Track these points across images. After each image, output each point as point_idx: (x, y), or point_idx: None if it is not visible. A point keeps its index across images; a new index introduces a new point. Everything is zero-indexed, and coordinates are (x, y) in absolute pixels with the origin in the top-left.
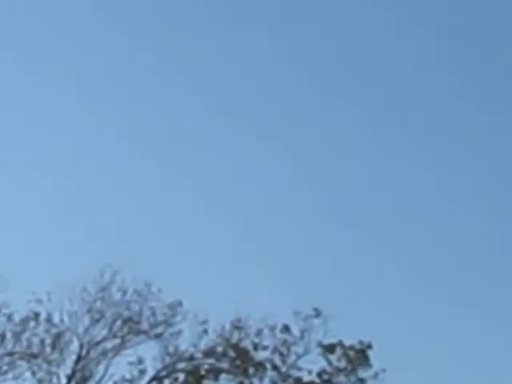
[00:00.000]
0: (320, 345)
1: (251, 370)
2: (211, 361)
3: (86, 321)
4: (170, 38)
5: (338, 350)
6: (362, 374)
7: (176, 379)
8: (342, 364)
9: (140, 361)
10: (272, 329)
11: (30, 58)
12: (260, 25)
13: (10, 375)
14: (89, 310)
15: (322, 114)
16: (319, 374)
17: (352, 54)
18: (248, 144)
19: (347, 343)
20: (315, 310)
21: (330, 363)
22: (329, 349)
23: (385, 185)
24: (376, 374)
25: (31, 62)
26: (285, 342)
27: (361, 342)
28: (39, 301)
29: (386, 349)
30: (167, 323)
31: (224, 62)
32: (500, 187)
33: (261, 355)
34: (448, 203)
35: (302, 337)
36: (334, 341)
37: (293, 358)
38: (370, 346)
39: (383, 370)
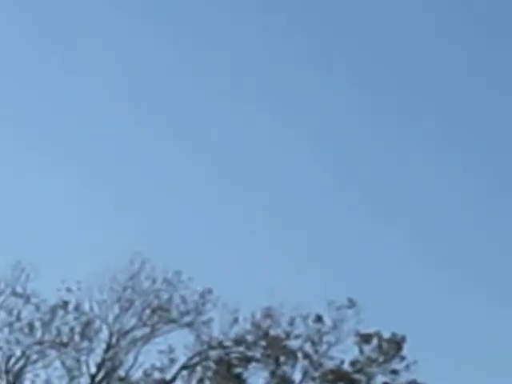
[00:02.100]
0: (357, 334)
1: (282, 359)
2: (242, 349)
3: (116, 309)
4: None
5: (374, 341)
6: (395, 365)
7: (207, 367)
8: (375, 354)
9: (170, 349)
10: (305, 318)
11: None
12: None
13: (39, 364)
14: (118, 299)
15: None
16: (352, 364)
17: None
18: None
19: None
20: (349, 300)
21: (362, 353)
22: (365, 338)
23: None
24: (408, 366)
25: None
26: (318, 331)
27: (395, 334)
28: (69, 289)
29: (418, 341)
30: (197, 311)
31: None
32: None
33: (293, 344)
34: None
35: (334, 327)
36: (370, 331)
37: (325, 347)
38: (404, 339)
39: (415, 362)
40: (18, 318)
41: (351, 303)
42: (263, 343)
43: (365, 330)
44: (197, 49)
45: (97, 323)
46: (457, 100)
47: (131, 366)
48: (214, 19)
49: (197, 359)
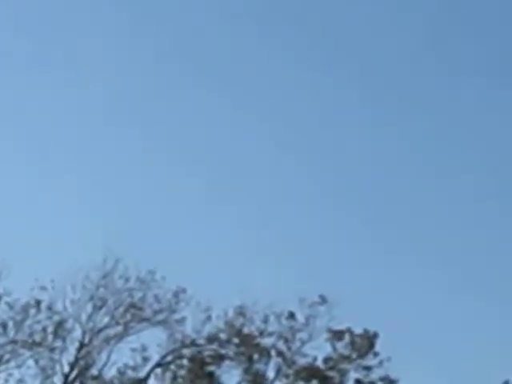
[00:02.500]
0: (329, 330)
1: (255, 356)
2: (215, 347)
3: (89, 308)
4: None
5: (347, 337)
6: (368, 361)
7: (180, 366)
8: (348, 351)
9: (144, 348)
10: (278, 316)
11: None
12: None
13: (12, 363)
14: (91, 298)
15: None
16: (325, 360)
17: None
18: (248, 131)
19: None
20: (321, 297)
21: (335, 350)
22: (337, 335)
23: (392, 169)
24: (381, 362)
25: None
26: (290, 328)
27: (367, 331)
28: (43, 288)
29: (392, 337)
30: (170, 310)
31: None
32: None
33: (266, 341)
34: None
35: (307, 323)
36: (342, 327)
37: (298, 344)
38: (376, 335)
39: (388, 359)
40: None
41: (323, 300)
42: (236, 341)
43: (337, 327)
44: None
45: (70, 322)
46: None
47: (104, 365)
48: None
49: (170, 357)
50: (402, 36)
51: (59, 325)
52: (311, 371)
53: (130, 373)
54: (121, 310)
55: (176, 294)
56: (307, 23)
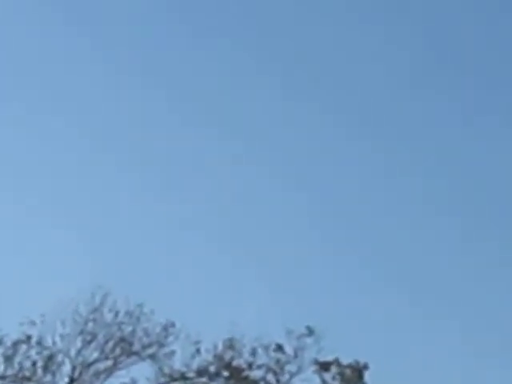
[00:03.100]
0: (316, 362)
1: None
2: (204, 380)
3: (78, 342)
4: None
5: (334, 368)
6: None
7: None
8: (336, 383)
9: (133, 382)
10: (266, 348)
11: None
12: None
13: None
14: (81, 332)
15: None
16: None
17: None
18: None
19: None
20: (308, 328)
21: (324, 382)
22: (324, 366)
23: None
24: None
25: None
26: (278, 360)
27: (357, 362)
28: (32, 322)
29: (381, 368)
30: (160, 344)
31: None
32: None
33: (255, 374)
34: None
35: (295, 355)
36: (329, 359)
37: (286, 376)
38: (366, 366)
39: None
40: None
41: (310, 331)
42: (226, 374)
43: (325, 358)
44: None
45: (59, 357)
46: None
47: None
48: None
49: None
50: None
51: (49, 359)
52: None
53: None
54: (110, 344)
55: (165, 328)
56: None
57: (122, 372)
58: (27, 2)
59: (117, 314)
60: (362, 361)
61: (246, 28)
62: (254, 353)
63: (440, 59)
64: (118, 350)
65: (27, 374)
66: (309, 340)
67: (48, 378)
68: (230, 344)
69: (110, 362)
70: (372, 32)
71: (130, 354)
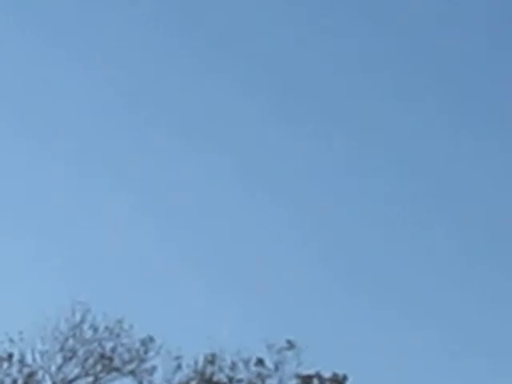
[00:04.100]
0: (297, 376)
1: None
2: None
3: (59, 359)
4: None
5: (315, 382)
6: None
7: None
8: None
9: None
10: (246, 362)
11: None
12: None
13: None
14: (61, 349)
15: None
16: None
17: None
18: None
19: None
20: (288, 342)
21: None
22: (305, 380)
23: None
24: None
25: None
26: (259, 374)
27: (336, 374)
28: (11, 340)
29: (361, 380)
30: (140, 359)
31: None
32: None
33: None
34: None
35: (276, 369)
36: (310, 372)
37: None
38: (345, 378)
39: None
40: None
41: (290, 345)
42: None
43: (306, 372)
44: None
45: (40, 374)
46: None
47: None
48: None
49: None
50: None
51: (29, 377)
52: None
53: None
54: (91, 360)
55: (145, 343)
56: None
57: None
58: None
59: (96, 330)
60: (340, 373)
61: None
62: (234, 367)
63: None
64: (98, 367)
65: None
66: (289, 353)
67: None
68: (211, 359)
69: (90, 379)
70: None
71: (111, 370)
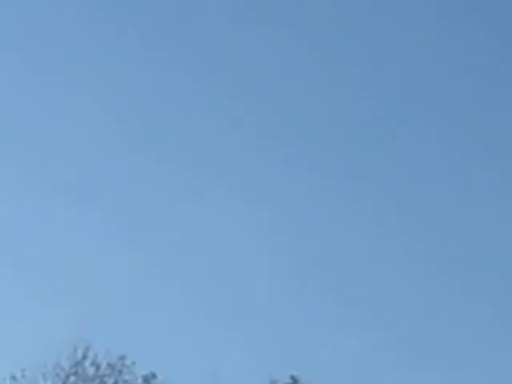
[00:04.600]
0: None
1: None
2: None
3: None
4: None
5: None
6: None
7: None
8: None
9: None
10: None
11: None
12: None
13: None
14: None
15: None
16: None
17: None
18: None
19: None
20: (292, 377)
21: None
22: None
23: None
24: None
25: None
26: None
27: None
28: (14, 378)
29: None
30: None
31: None
32: None
33: None
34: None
35: None
36: None
37: None
38: None
39: None
40: None
41: (294, 380)
42: None
43: None
44: None
45: None
46: None
47: None
48: None
49: None
50: None
51: None
52: None
53: None
54: None
55: (147, 380)
56: None
57: None
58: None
59: (98, 367)
60: None
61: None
62: None
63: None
64: None
65: None
66: None
67: None
68: None
69: None
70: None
71: None
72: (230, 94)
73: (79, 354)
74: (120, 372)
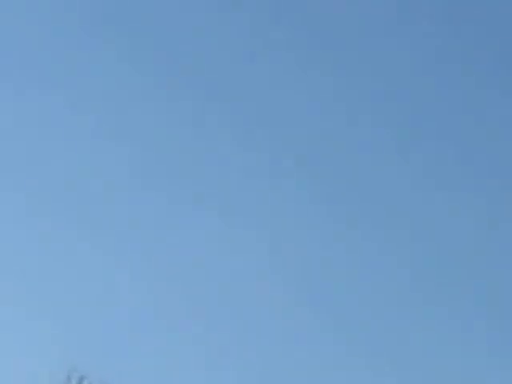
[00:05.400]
0: None
1: None
2: None
3: None
4: None
5: None
6: None
7: None
8: None
9: None
10: None
11: None
12: None
13: None
14: None
15: None
16: None
17: None
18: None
19: None
20: None
21: None
22: None
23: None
24: None
25: None
26: None
27: None
28: None
29: None
30: None
31: None
32: None
33: None
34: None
35: None
36: None
37: None
38: None
39: None
40: None
41: None
42: None
43: None
44: None
45: None
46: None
47: None
48: None
49: None
50: None
51: None
52: None
53: None
54: None
55: None
56: None
57: None
58: None
59: None
60: None
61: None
62: None
63: None
64: None
65: None
66: None
67: None
68: None
69: None
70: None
71: None
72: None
73: (73, 383)
74: None
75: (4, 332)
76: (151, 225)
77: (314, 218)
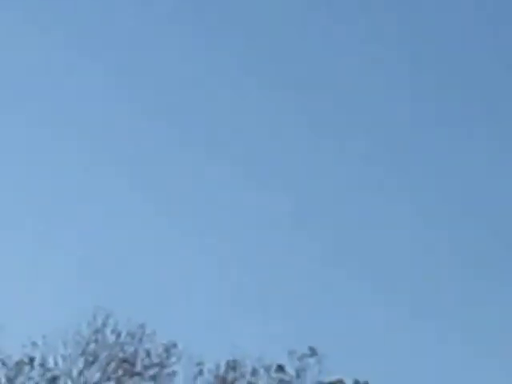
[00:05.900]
0: (319, 383)
1: None
2: None
3: (80, 364)
4: None
5: None
6: None
7: None
8: None
9: None
10: (267, 369)
11: None
12: None
13: None
14: (83, 353)
15: None
16: None
17: None
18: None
19: None
20: (310, 348)
21: None
22: None
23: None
24: None
25: None
26: (280, 381)
27: (357, 381)
28: (34, 344)
29: None
30: (162, 365)
31: None
32: None
33: None
34: None
35: (297, 376)
36: (332, 379)
37: None
38: None
39: None
40: None
41: (312, 352)
42: None
43: (327, 379)
44: None
45: (61, 378)
46: None
47: None
48: None
49: None
50: None
51: (51, 381)
52: None
53: None
54: (112, 365)
55: (167, 349)
56: None
57: None
58: None
59: (119, 334)
60: (362, 380)
61: None
62: (255, 374)
63: None
64: (120, 371)
65: None
66: (311, 360)
67: None
68: (232, 365)
69: (112, 383)
70: None
71: (132, 374)
72: None
73: (99, 321)
74: (140, 340)
75: (35, 273)
76: None
77: None
